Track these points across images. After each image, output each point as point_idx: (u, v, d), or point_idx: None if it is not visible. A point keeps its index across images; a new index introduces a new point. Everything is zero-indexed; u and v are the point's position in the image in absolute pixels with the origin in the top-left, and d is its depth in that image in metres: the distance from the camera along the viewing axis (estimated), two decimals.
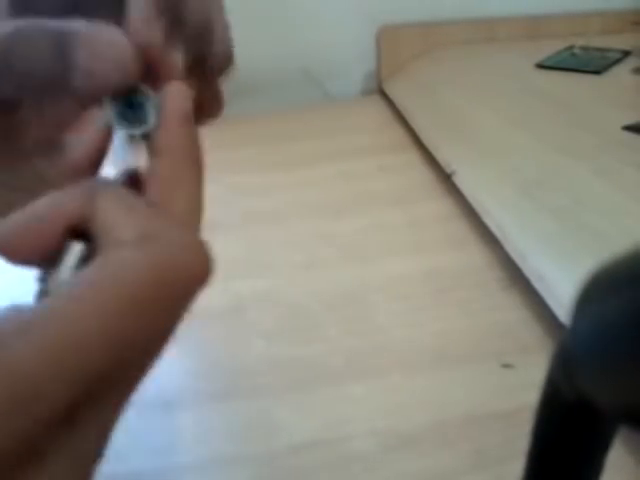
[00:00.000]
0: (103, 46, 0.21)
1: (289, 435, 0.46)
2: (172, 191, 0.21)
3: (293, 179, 0.82)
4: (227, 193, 0.76)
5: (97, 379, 0.17)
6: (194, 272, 0.20)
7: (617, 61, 0.98)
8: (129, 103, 0.23)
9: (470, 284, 0.60)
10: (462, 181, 0.73)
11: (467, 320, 0.56)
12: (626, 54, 1.00)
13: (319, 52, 1.14)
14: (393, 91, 1.07)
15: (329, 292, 0.60)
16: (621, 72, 0.94)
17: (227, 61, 0.27)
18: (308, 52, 1.13)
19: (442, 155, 0.80)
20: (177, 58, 0.24)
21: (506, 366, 0.50)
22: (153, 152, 0.22)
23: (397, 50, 1.12)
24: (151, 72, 0.23)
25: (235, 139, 0.90)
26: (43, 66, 0.21)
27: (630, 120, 0.74)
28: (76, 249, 0.19)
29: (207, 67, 0.26)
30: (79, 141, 0.23)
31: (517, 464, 0.26)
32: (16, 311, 0.17)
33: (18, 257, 0.19)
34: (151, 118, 0.23)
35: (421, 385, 0.49)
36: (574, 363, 0.21)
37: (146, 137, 0.23)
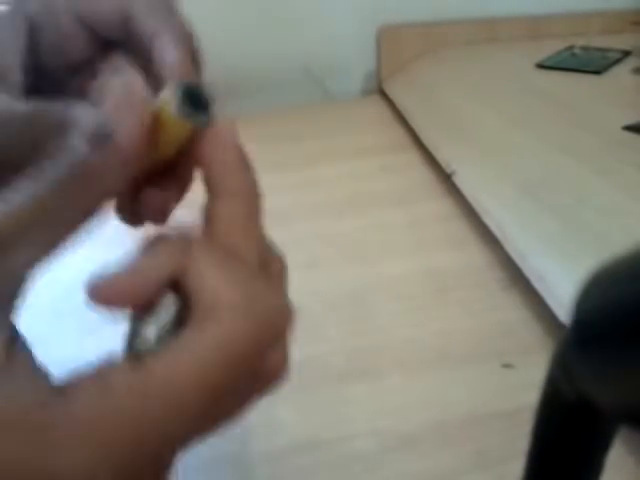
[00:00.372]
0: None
1: (289, 435, 0.46)
2: (246, 241, 0.21)
3: (293, 179, 0.82)
4: None
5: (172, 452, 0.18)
6: (277, 335, 0.21)
7: (617, 61, 0.98)
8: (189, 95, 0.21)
9: (470, 284, 0.60)
10: (462, 181, 0.73)
11: (467, 320, 0.56)
12: (626, 54, 1.00)
13: (319, 52, 1.14)
14: (393, 91, 1.07)
15: (330, 292, 0.60)
16: (621, 72, 0.94)
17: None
18: (308, 52, 1.13)
19: (442, 155, 0.80)
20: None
21: (506, 366, 0.50)
22: (217, 194, 0.21)
23: (397, 50, 1.12)
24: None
25: None
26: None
27: (630, 120, 0.74)
28: (171, 303, 0.19)
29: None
30: (126, 125, 0.21)
31: (517, 464, 0.26)
32: (102, 374, 0.17)
33: (112, 304, 0.19)
34: (211, 111, 0.21)
35: (421, 385, 0.49)
36: (574, 363, 0.21)
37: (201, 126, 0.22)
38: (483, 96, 0.91)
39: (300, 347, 0.57)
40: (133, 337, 0.19)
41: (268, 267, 0.22)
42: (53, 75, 0.26)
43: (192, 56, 0.25)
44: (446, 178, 0.77)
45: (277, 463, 0.44)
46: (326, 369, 0.51)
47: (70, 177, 0.18)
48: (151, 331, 0.19)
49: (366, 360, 0.52)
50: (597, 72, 0.94)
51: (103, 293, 0.19)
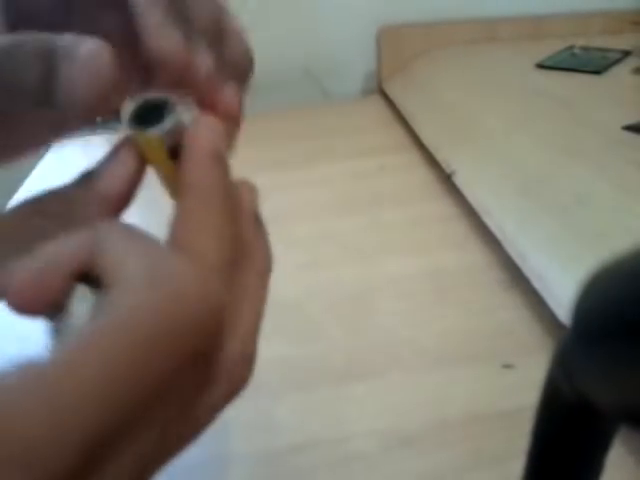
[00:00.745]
0: (82, 64, 0.20)
1: (289, 435, 0.46)
2: (195, 233, 0.20)
3: (293, 179, 0.82)
4: None
5: (107, 437, 0.16)
6: (202, 320, 0.18)
7: (617, 61, 0.98)
8: (150, 108, 0.22)
9: (470, 284, 0.60)
10: (462, 181, 0.73)
11: (467, 320, 0.56)
12: (626, 54, 1.00)
13: (319, 52, 1.14)
14: (393, 91, 1.07)
15: (330, 292, 0.60)
16: (621, 72, 0.94)
17: (248, 63, 0.25)
18: (308, 52, 1.13)
19: (442, 155, 0.80)
20: (203, 60, 0.23)
21: (506, 366, 0.50)
22: (179, 190, 0.21)
23: (397, 50, 1.12)
24: (182, 80, 0.23)
25: None
26: (30, 83, 0.20)
27: (630, 120, 0.74)
28: (86, 293, 0.19)
29: (225, 72, 0.24)
30: (112, 172, 0.22)
31: (517, 464, 0.26)
32: (24, 365, 0.16)
33: (25, 308, 0.18)
34: (166, 124, 0.22)
35: (421, 385, 0.49)
36: (574, 363, 0.21)
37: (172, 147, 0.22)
38: (483, 96, 0.91)
39: (300, 346, 0.57)
40: (53, 336, 0.19)
41: (244, 266, 0.21)
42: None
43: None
44: (446, 178, 0.77)
45: (276, 463, 0.44)
46: (326, 369, 0.51)
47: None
48: (67, 327, 0.18)
49: (366, 360, 0.52)
50: (597, 72, 0.94)
51: (17, 298, 0.18)
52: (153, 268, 0.18)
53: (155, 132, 0.22)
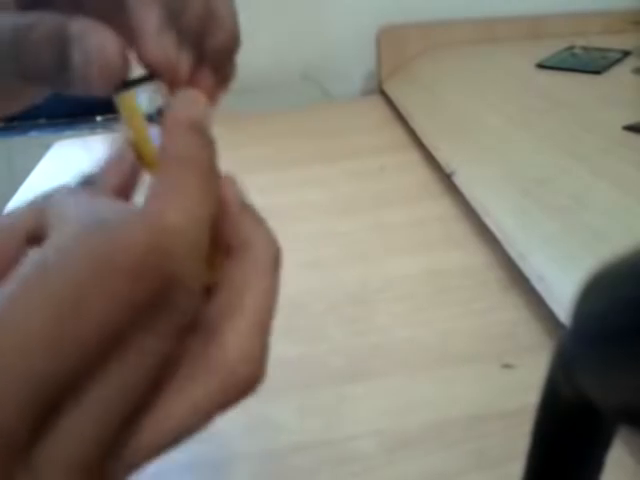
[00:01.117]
0: (93, 51, 0.21)
1: (289, 435, 0.46)
2: (166, 199, 0.19)
3: (293, 179, 0.82)
4: None
5: (61, 377, 0.16)
6: (141, 270, 0.17)
7: (617, 61, 0.98)
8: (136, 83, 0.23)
9: (470, 284, 0.60)
10: (462, 181, 0.73)
11: (467, 320, 0.56)
12: (626, 54, 1.00)
13: (319, 52, 1.14)
14: (393, 91, 1.07)
15: (330, 292, 0.60)
16: (621, 72, 0.94)
17: (234, 41, 0.26)
18: (308, 52, 1.13)
19: (442, 155, 0.80)
20: (185, 62, 0.24)
21: (506, 366, 0.50)
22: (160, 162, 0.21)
23: (397, 50, 1.12)
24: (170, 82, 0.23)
25: (235, 139, 0.90)
26: (44, 62, 0.21)
27: (630, 120, 0.74)
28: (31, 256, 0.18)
29: (211, 52, 0.25)
30: (109, 175, 0.23)
31: (518, 464, 0.26)
32: None
33: None
34: (145, 102, 0.23)
35: (421, 385, 0.49)
36: (574, 363, 0.21)
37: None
38: (483, 96, 0.91)
39: (300, 346, 0.57)
40: None
41: (241, 257, 0.21)
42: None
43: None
44: (446, 178, 0.77)
45: (277, 463, 0.44)
46: (326, 369, 0.51)
47: None
48: None
49: (366, 360, 0.52)
50: (597, 72, 0.94)
51: None
52: (92, 213, 0.18)
53: (130, 92, 0.23)
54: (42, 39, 0.21)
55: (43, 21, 0.22)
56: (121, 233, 0.17)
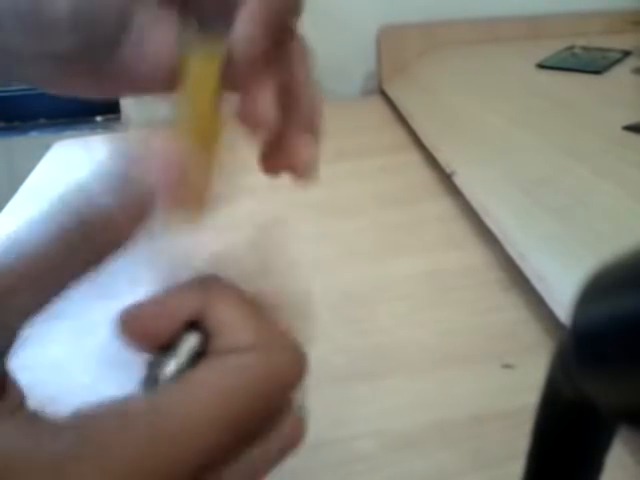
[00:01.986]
0: (150, 49, 0.22)
1: None
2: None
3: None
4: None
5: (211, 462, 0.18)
6: (293, 380, 0.21)
7: (617, 61, 0.98)
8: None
9: (470, 284, 0.60)
10: (462, 181, 0.73)
11: (467, 320, 0.56)
12: (626, 54, 1.00)
13: (319, 52, 1.13)
14: (394, 91, 1.07)
15: (330, 292, 0.60)
16: (621, 72, 0.94)
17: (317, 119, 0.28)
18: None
19: (442, 155, 0.80)
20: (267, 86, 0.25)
21: (507, 366, 0.50)
22: None
23: (398, 50, 1.12)
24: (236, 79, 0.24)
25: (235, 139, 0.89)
26: (104, 33, 0.22)
27: (630, 120, 0.74)
28: (191, 341, 0.20)
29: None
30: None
31: (518, 464, 0.26)
32: (119, 405, 0.17)
33: (137, 339, 0.20)
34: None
35: (421, 385, 0.49)
36: (574, 363, 0.21)
37: None
38: (483, 96, 0.91)
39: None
40: (152, 372, 0.20)
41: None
42: None
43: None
44: (446, 178, 0.77)
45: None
46: (327, 369, 0.51)
47: (82, 225, 0.19)
48: (170, 367, 0.20)
49: (366, 360, 0.52)
50: (597, 72, 0.94)
51: (132, 331, 0.20)
52: (267, 338, 0.20)
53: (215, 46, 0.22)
54: (105, 10, 0.22)
55: None
56: (284, 361, 0.21)
